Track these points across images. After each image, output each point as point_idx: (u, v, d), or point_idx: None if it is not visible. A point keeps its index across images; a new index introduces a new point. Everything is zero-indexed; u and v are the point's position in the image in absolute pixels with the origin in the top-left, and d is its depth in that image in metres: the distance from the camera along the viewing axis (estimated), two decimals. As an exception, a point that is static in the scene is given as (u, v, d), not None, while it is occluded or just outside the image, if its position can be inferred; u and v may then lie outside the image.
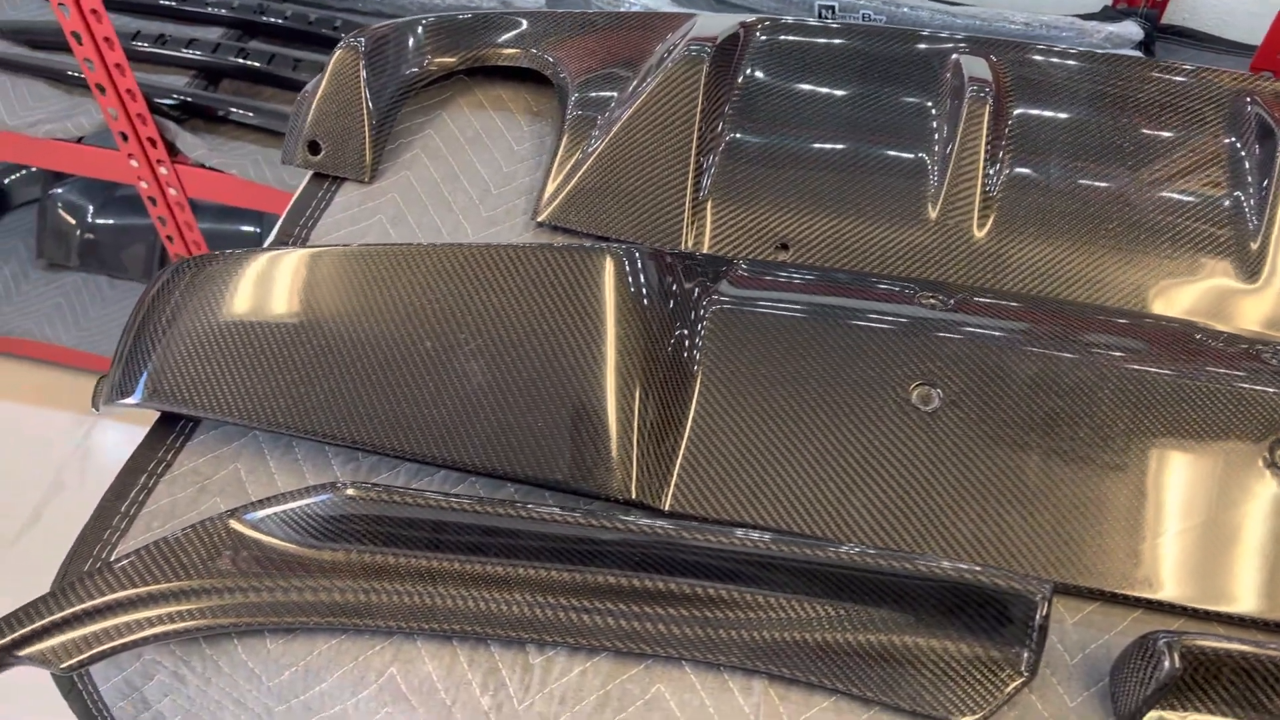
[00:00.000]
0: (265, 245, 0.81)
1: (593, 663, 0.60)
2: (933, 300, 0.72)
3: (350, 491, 0.62)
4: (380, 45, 0.85)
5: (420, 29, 0.88)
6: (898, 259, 0.77)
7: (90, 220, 2.03)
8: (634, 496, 0.64)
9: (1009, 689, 0.58)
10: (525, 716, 0.59)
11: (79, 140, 1.47)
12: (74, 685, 0.66)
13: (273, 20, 1.52)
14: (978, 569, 0.57)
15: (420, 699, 0.60)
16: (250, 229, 1.94)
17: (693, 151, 0.79)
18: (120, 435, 1.97)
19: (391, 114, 0.86)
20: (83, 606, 0.60)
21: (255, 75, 1.48)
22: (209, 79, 1.50)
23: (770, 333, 0.69)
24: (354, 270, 0.69)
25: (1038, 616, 0.57)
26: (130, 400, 0.69)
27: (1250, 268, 0.75)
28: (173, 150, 1.42)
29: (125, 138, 1.40)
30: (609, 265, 0.68)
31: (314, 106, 0.84)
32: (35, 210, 2.06)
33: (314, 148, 0.84)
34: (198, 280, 0.70)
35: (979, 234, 0.77)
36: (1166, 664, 0.55)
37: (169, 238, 1.56)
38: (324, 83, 0.84)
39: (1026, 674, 0.58)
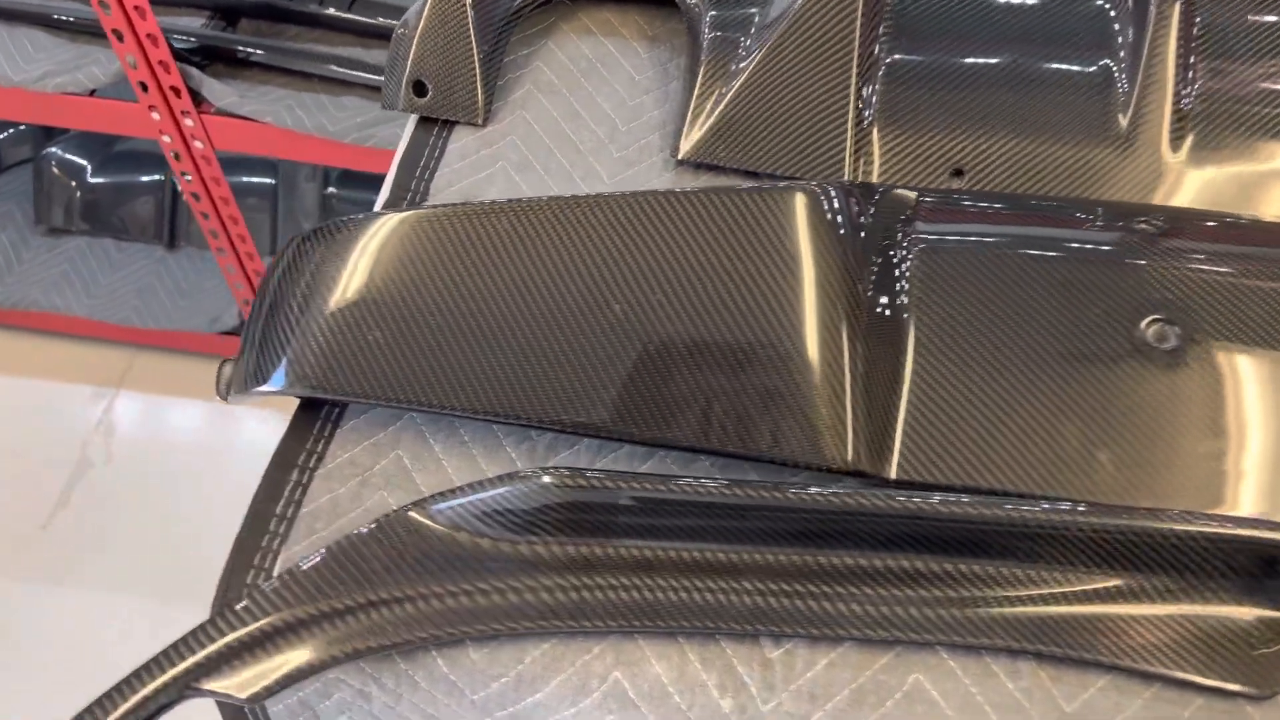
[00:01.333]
0: (380, 203, 0.73)
1: (838, 653, 0.54)
2: (1146, 224, 0.65)
3: (546, 479, 0.55)
4: (483, -32, 0.75)
5: (522, -52, 0.78)
6: (1085, 180, 0.70)
7: (89, 179, 1.91)
8: (850, 464, 0.57)
9: (1303, 654, 0.53)
10: (773, 717, 0.53)
11: (91, 93, 1.36)
12: (241, 710, 0.59)
13: (291, -48, 1.40)
14: (1254, 519, 0.51)
15: (651, 705, 0.53)
16: (264, 180, 1.83)
17: (853, 72, 0.71)
18: (144, 406, 1.89)
19: (500, 46, 0.77)
20: (261, 625, 0.53)
21: (278, 12, 1.37)
22: (226, 19, 1.39)
23: (981, 271, 0.62)
24: (518, 226, 0.61)
25: (1340, 576, 0.51)
26: (269, 388, 0.61)
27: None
28: (197, 99, 1.32)
29: (145, 88, 1.29)
30: (803, 205, 0.60)
31: (415, 43, 0.75)
32: (30, 172, 1.94)
33: (419, 89, 0.76)
34: (333, 251, 0.62)
35: (1174, 149, 0.70)
36: None
37: (194, 195, 1.46)
38: (425, 15, 0.75)
39: (1318, 637, 0.53)
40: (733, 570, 0.55)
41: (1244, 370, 0.59)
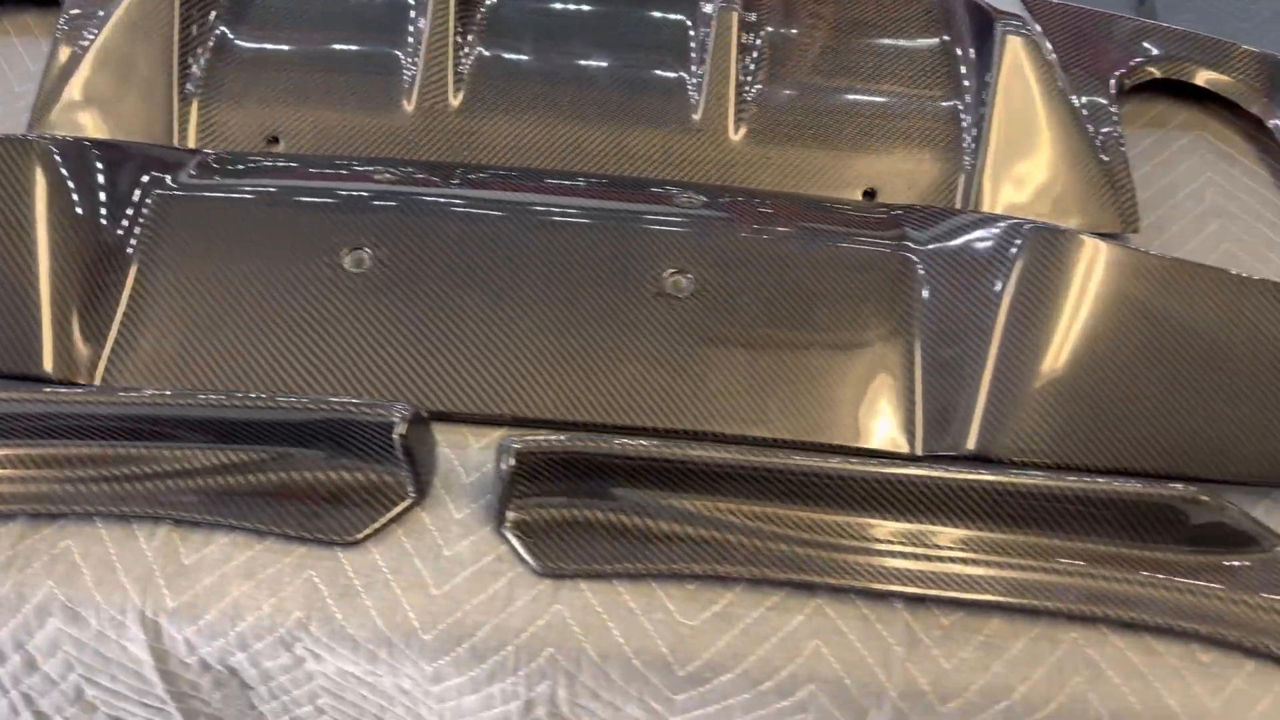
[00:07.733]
0: None
1: (5, 528, 0.63)
2: (387, 174, 0.76)
3: None
4: None
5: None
6: (381, 143, 0.81)
7: None
8: (62, 374, 0.67)
9: (396, 510, 0.63)
10: None
11: None
12: None
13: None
14: (342, 401, 0.62)
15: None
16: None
17: (174, 52, 0.82)
18: None
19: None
20: None
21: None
22: None
23: (217, 217, 0.72)
24: None
25: (395, 438, 0.61)
26: None
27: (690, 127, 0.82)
28: None
29: None
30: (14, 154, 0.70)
31: None
32: None
33: None
34: None
35: (453, 105, 0.82)
36: (506, 463, 0.60)
37: None
38: None
39: (414, 495, 0.63)
40: None
41: (418, 287, 0.70)
